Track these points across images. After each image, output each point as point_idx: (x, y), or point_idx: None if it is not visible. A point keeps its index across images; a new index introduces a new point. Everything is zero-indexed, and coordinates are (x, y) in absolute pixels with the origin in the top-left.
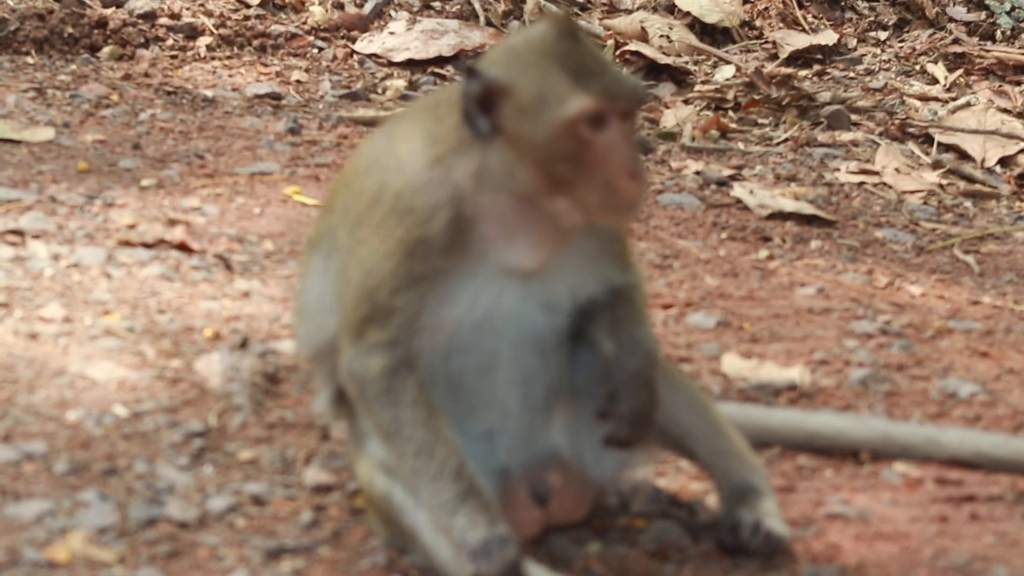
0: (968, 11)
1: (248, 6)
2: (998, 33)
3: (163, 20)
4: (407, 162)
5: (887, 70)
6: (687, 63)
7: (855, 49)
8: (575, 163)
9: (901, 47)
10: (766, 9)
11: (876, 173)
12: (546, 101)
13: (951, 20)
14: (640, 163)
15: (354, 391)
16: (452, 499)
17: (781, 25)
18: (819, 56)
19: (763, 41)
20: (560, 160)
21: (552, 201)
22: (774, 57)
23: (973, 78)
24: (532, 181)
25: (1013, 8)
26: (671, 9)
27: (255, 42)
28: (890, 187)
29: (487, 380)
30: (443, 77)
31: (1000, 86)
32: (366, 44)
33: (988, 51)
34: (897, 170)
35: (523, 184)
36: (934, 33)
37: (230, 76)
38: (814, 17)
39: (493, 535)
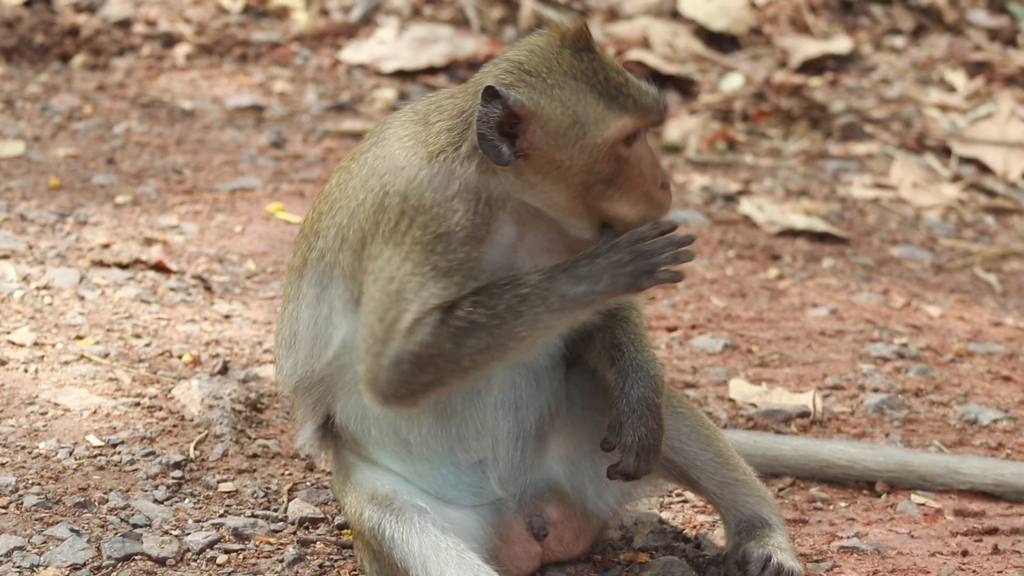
0: (989, 16)
1: (228, 13)
2: (1021, 39)
3: (139, 27)
4: (407, 162)
5: (903, 78)
6: (692, 72)
7: (870, 56)
8: (610, 181)
9: (918, 54)
10: (775, 15)
11: (892, 187)
12: (583, 125)
13: (971, 25)
14: (665, 171)
15: (410, 377)
16: (574, 286)
17: (791, 31)
18: (832, 64)
19: (772, 48)
20: (596, 180)
21: (578, 219)
22: (784, 65)
23: (995, 86)
24: (565, 201)
25: None
26: (675, 15)
27: (236, 51)
28: (907, 202)
29: (477, 405)
30: (434, 88)
31: (1023, 95)
32: (353, 53)
33: (1011, 58)
34: (914, 184)
35: (552, 203)
36: (953, 39)
37: (210, 87)
38: (826, 23)
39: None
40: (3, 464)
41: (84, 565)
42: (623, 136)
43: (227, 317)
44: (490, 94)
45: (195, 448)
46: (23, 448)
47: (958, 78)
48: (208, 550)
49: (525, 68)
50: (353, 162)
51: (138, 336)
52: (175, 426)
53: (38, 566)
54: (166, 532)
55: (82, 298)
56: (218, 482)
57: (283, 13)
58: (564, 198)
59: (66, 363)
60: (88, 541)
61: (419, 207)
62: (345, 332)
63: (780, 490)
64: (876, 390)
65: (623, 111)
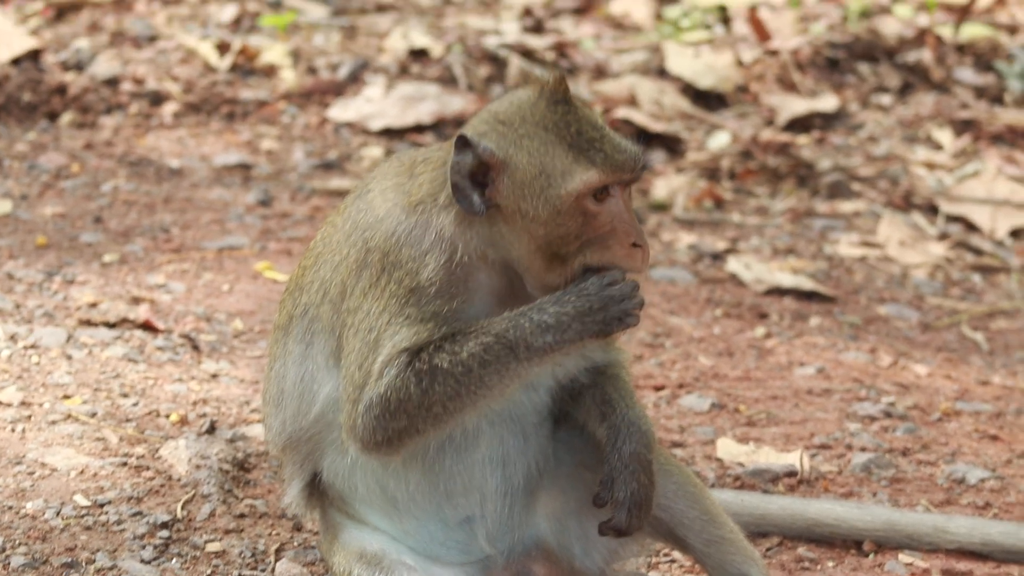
0: (976, 74)
1: (216, 71)
2: (1007, 97)
3: (126, 86)
4: (386, 213)
5: (890, 136)
6: (679, 130)
7: (856, 114)
8: (577, 236)
9: (905, 112)
10: (762, 73)
11: (879, 246)
12: (549, 176)
13: (958, 83)
14: (642, 230)
15: (383, 423)
16: (547, 337)
17: (778, 89)
18: (818, 122)
19: (759, 106)
20: (563, 234)
21: (549, 274)
22: (771, 123)
23: (981, 144)
24: (530, 254)
25: None
26: (662, 73)
27: (223, 109)
28: (894, 260)
29: (465, 461)
30: (422, 146)
31: (1010, 153)
32: (341, 111)
33: (997, 116)
34: (901, 242)
35: (518, 256)
36: (940, 97)
37: (197, 145)
38: (813, 81)
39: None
40: None
41: None
42: (588, 190)
43: (214, 376)
44: (462, 143)
45: (182, 508)
46: (10, 508)
47: (945, 136)
48: None
49: (500, 118)
50: (338, 216)
51: (125, 395)
52: (162, 486)
53: None
54: None
55: (69, 357)
56: (205, 542)
57: (270, 71)
58: (528, 251)
59: (53, 422)
60: None
61: (396, 263)
62: (329, 389)
63: (768, 550)
64: (863, 449)
65: (590, 165)
